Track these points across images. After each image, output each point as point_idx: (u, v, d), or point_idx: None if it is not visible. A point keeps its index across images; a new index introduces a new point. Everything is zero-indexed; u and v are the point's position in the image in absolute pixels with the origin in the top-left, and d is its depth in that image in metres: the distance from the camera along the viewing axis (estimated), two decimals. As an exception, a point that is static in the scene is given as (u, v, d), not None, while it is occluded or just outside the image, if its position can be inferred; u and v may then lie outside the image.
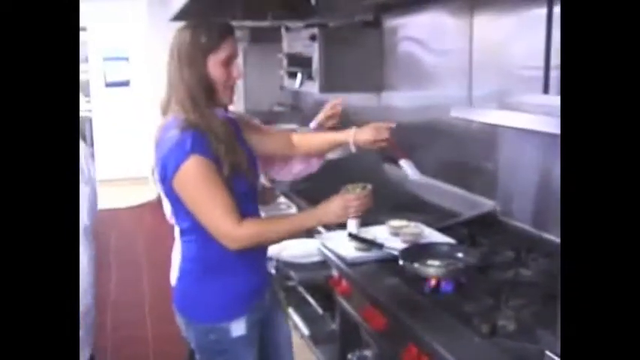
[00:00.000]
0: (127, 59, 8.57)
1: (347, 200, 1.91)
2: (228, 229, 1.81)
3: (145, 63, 7.83)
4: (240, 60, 2.09)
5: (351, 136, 2.17)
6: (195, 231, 1.91)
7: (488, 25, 2.86)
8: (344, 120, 4.22)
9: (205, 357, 2.03)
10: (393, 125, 2.19)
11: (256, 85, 5.93)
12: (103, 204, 8.24)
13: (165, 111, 1.92)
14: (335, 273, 2.38)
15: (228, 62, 1.88)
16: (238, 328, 1.95)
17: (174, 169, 1.78)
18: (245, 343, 1.99)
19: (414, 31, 3.60)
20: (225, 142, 1.86)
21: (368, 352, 2.17)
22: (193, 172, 1.78)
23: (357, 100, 4.36)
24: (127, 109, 8.52)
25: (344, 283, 2.30)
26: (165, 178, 1.82)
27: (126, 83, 8.58)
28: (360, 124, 4.21)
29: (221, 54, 1.86)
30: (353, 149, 2.18)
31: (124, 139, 8.51)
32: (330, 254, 2.37)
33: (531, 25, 2.45)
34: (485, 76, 2.89)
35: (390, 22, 3.89)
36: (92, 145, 9.20)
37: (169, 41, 1.93)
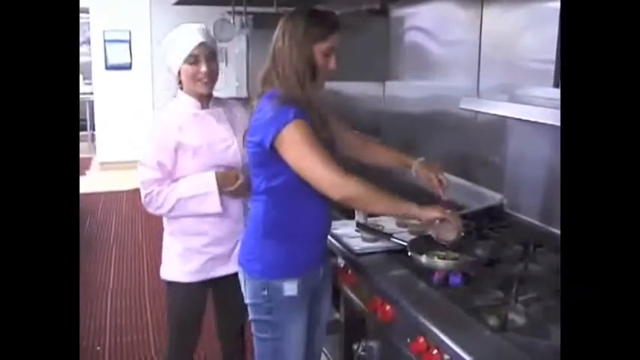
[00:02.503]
0: (128, 42, 8.51)
1: (448, 210, 2.03)
2: (334, 178, 1.94)
3: (147, 46, 7.78)
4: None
5: (416, 164, 2.39)
6: (266, 193, 2.09)
7: (498, 17, 2.84)
8: (346, 108, 4.21)
9: (257, 314, 2.13)
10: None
11: (259, 71, 5.90)
12: (104, 187, 8.23)
13: (264, 83, 2.08)
14: (341, 262, 2.37)
15: (328, 53, 2.05)
16: (290, 288, 2.07)
17: (275, 132, 1.94)
18: (294, 306, 2.09)
19: (421, 21, 3.58)
20: (321, 119, 2.06)
21: (373, 343, 2.17)
22: (299, 132, 1.94)
23: (361, 88, 4.35)
24: (128, 92, 8.47)
25: (350, 273, 2.30)
26: (263, 141, 1.98)
27: (127, 66, 8.53)
28: (363, 112, 4.23)
29: (325, 45, 2.03)
30: (414, 174, 2.40)
31: (125, 122, 8.47)
32: (336, 243, 2.37)
33: (543, 18, 2.43)
34: (494, 69, 2.87)
35: (398, 12, 3.87)
36: (93, 127, 9.18)
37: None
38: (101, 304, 4.40)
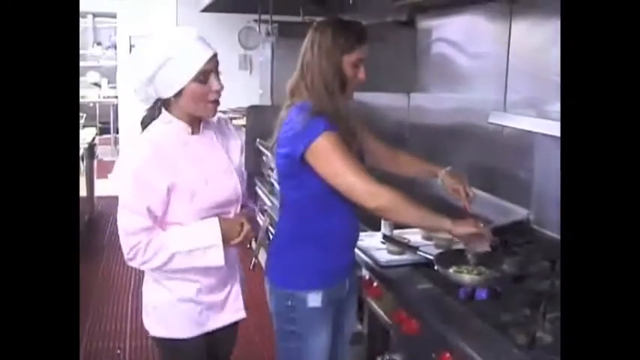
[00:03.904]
0: (154, 47, 8.59)
1: (479, 223, 2.02)
2: (369, 187, 1.93)
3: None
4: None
5: (443, 173, 2.37)
6: (293, 203, 2.12)
7: (527, 31, 2.83)
8: (371, 118, 4.20)
9: (280, 324, 2.14)
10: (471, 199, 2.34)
11: (284, 79, 5.88)
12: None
13: (293, 94, 2.08)
14: (365, 274, 2.37)
15: (357, 64, 2.05)
16: (315, 299, 2.06)
17: (306, 144, 1.94)
18: (319, 318, 2.09)
19: (449, 33, 3.58)
20: (350, 131, 2.05)
21: (397, 357, 2.15)
22: (331, 144, 1.94)
23: (386, 99, 4.35)
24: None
25: (375, 285, 2.29)
26: (294, 153, 1.97)
27: (152, 71, 8.58)
28: (387, 123, 4.23)
29: (353, 56, 2.03)
30: (440, 183, 2.38)
31: (149, 127, 8.53)
32: (362, 255, 2.37)
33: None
34: (521, 82, 2.86)
35: (425, 23, 3.87)
36: (117, 131, 9.26)
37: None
38: (122, 306, 4.43)
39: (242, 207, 2.16)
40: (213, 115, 2.03)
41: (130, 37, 8.52)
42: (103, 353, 3.75)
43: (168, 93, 1.95)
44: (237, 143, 2.19)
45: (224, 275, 2.11)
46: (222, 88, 1.97)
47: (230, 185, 2.08)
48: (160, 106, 2.02)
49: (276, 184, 4.56)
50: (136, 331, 4.03)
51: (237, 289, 2.17)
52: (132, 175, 1.93)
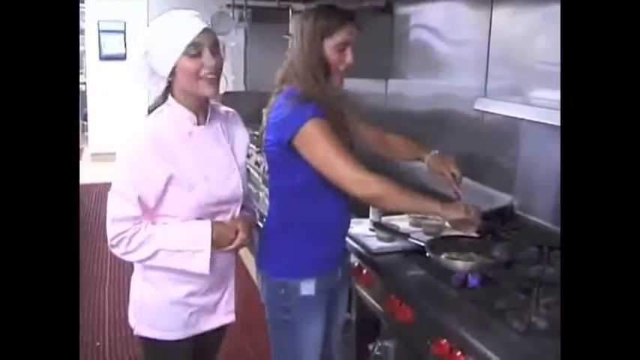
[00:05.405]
0: (123, 33, 8.44)
1: (469, 206, 2.02)
2: (357, 175, 1.91)
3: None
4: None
5: (429, 157, 2.42)
6: (283, 191, 2.11)
7: (508, 18, 2.84)
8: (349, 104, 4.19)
9: (273, 313, 2.13)
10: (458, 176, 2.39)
11: (257, 65, 5.86)
12: (96, 178, 8.15)
13: (283, 81, 2.06)
14: (355, 262, 2.37)
15: (341, 47, 2.02)
16: (307, 288, 2.05)
17: (294, 131, 1.91)
18: (311, 306, 2.08)
19: (427, 19, 3.58)
20: (340, 119, 2.04)
21: (389, 344, 2.17)
22: (318, 130, 1.91)
23: (363, 85, 4.34)
24: (122, 83, 8.40)
25: (365, 272, 2.29)
26: (281, 139, 1.95)
27: (122, 57, 8.44)
28: (364, 109, 4.22)
29: (336, 38, 2.01)
30: (426, 167, 2.42)
31: (118, 113, 8.40)
32: (352, 242, 2.37)
33: (554, 20, 2.43)
34: (501, 70, 2.87)
35: (403, 9, 3.87)
36: (85, 118, 9.11)
37: None
38: (99, 297, 4.38)
39: (242, 208, 2.09)
40: (211, 92, 1.91)
41: (98, 22, 8.38)
42: (82, 345, 3.70)
43: (164, 69, 1.88)
44: (244, 139, 2.13)
45: (219, 277, 2.05)
46: (217, 64, 1.88)
47: (231, 183, 2.01)
48: (166, 92, 1.96)
49: (252, 171, 4.54)
50: (115, 322, 3.99)
51: (230, 291, 2.13)
52: (127, 161, 1.88)
